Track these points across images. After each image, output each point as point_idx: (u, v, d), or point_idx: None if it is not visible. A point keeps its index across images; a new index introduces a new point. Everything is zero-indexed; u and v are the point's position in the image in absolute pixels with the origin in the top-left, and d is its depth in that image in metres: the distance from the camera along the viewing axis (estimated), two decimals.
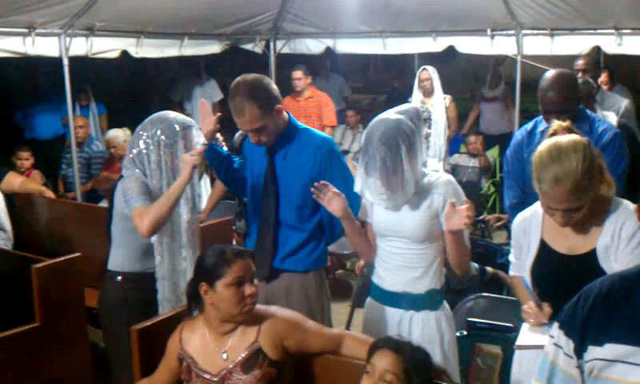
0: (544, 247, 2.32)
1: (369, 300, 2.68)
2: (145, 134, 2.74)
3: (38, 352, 3.05)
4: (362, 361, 2.12)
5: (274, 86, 2.74)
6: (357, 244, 2.70)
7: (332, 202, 2.53)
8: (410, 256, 2.50)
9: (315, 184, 2.55)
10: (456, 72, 8.99)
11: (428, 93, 6.51)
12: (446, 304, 2.60)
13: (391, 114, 2.48)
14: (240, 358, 2.18)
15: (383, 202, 2.47)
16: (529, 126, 3.35)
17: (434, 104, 6.43)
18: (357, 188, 2.53)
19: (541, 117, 3.24)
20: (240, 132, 3.39)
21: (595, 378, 1.38)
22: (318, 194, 2.54)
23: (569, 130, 2.29)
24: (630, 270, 1.43)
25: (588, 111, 3.23)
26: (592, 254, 2.19)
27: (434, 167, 6.10)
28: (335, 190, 2.53)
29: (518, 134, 3.39)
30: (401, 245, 2.51)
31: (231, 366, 2.18)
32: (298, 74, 6.46)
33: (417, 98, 6.57)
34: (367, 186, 2.46)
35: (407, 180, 2.38)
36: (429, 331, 2.50)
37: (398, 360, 2.02)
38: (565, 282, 2.18)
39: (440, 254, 2.54)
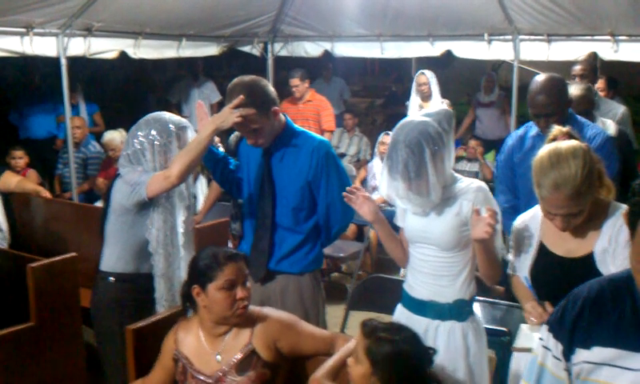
0: (542, 250, 2.34)
1: (399, 307, 2.57)
2: (140, 133, 2.74)
3: (33, 351, 3.06)
4: None
5: (271, 88, 2.74)
6: (391, 250, 2.59)
7: (363, 205, 2.47)
8: (437, 264, 2.40)
9: (347, 188, 2.51)
10: (453, 77, 9.00)
11: (426, 97, 6.52)
12: (476, 317, 2.47)
13: (419, 116, 2.36)
14: (234, 359, 2.19)
15: (410, 206, 2.38)
16: (520, 130, 3.36)
17: (432, 108, 6.42)
18: (382, 192, 2.44)
19: (532, 122, 3.26)
20: (235, 133, 3.39)
21: (583, 381, 1.39)
22: (350, 197, 2.49)
23: (569, 136, 2.29)
24: (619, 274, 1.44)
25: (578, 116, 3.23)
26: (590, 258, 2.20)
27: None
28: (366, 194, 2.50)
29: (509, 139, 3.39)
30: (429, 252, 2.41)
31: (225, 368, 2.19)
32: (294, 81, 6.43)
33: (415, 102, 6.59)
34: (392, 189, 2.35)
35: (432, 185, 2.26)
36: (454, 343, 2.38)
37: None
38: (563, 284, 2.15)
39: (470, 263, 2.41)
